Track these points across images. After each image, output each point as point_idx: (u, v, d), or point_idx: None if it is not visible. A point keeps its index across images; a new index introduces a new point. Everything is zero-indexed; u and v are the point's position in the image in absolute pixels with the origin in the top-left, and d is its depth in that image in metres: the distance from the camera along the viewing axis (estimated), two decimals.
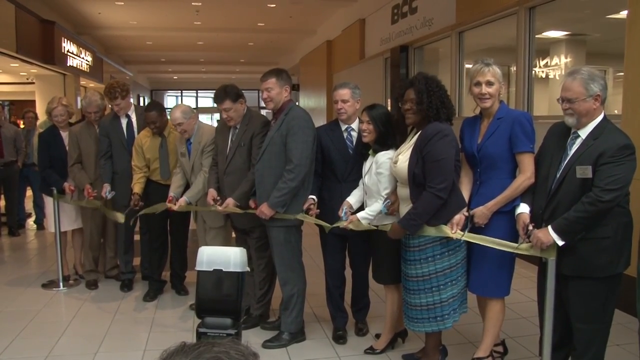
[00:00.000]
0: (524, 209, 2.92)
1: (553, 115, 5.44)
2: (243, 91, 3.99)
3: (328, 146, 3.68)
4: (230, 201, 3.81)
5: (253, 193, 3.76)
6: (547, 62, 6.65)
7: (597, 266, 2.68)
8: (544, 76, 6.64)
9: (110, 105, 4.89)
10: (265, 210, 3.57)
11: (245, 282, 2.73)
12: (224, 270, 2.83)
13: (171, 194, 4.32)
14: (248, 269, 2.76)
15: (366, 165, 3.47)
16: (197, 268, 2.80)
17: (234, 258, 2.72)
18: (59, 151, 5.02)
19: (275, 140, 3.60)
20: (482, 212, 2.97)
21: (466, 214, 2.99)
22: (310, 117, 3.71)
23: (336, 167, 3.66)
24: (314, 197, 3.64)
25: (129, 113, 4.88)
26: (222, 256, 2.81)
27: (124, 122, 4.86)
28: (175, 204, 4.22)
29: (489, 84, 3.00)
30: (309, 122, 3.63)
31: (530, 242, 2.78)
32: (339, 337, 3.79)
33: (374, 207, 3.31)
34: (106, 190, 4.67)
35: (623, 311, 3.79)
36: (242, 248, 2.69)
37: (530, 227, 2.83)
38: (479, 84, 3.03)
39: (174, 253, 4.86)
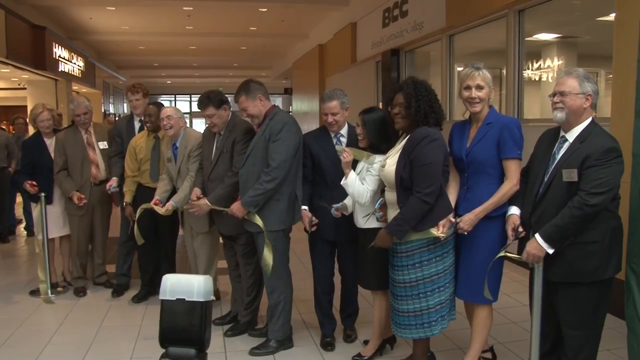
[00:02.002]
0: (514, 210, 2.91)
1: (545, 119, 5.44)
2: None
3: (318, 153, 3.66)
4: (203, 202, 3.80)
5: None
6: (539, 65, 6.65)
7: (585, 271, 2.65)
8: (537, 79, 6.63)
9: (128, 103, 5.12)
10: (235, 209, 3.56)
11: (210, 311, 2.66)
12: (187, 299, 2.76)
13: (157, 197, 4.30)
14: (213, 298, 2.69)
15: (358, 168, 3.42)
16: (161, 297, 2.73)
17: (197, 287, 2.65)
18: (44, 158, 4.95)
19: (259, 145, 3.57)
20: (469, 219, 2.95)
21: (452, 219, 2.97)
22: (294, 122, 3.67)
23: (327, 174, 3.64)
24: (306, 208, 3.65)
25: (142, 117, 4.94)
26: (186, 285, 2.74)
27: (137, 126, 4.97)
28: (162, 208, 4.21)
29: (479, 87, 2.99)
30: (293, 127, 3.59)
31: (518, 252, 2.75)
32: (327, 344, 3.76)
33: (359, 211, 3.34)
34: (112, 185, 4.73)
35: (615, 315, 3.77)
36: (207, 276, 2.62)
37: (520, 229, 2.82)
38: (468, 87, 3.01)
39: (161, 258, 4.84)
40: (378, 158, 3.25)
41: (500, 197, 2.94)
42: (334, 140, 3.66)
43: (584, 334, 2.73)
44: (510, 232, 2.86)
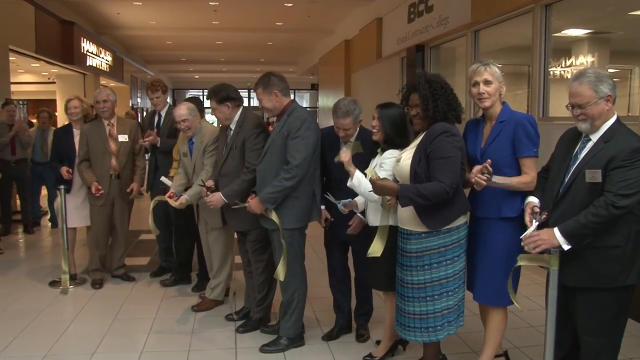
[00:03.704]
0: (532, 199, 2.79)
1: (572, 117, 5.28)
2: None
3: (325, 153, 3.63)
4: (218, 195, 3.77)
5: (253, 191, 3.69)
6: (571, 62, 6.47)
7: (605, 277, 2.53)
8: (568, 76, 6.45)
9: (150, 99, 5.26)
10: (253, 206, 3.51)
11: None
12: None
13: (172, 190, 4.31)
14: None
15: (372, 164, 3.37)
16: None
17: None
18: (68, 148, 5.06)
19: (277, 141, 3.53)
20: (498, 183, 2.79)
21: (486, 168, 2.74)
22: (313, 119, 3.63)
23: (333, 174, 3.62)
24: (323, 206, 3.66)
25: (161, 112, 5.18)
26: None
27: (156, 120, 5.20)
28: (176, 201, 4.22)
29: (487, 82, 2.90)
30: (312, 124, 3.55)
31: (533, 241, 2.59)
32: (328, 335, 3.83)
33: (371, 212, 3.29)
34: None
35: (638, 322, 3.64)
36: None
37: (537, 211, 2.68)
38: (476, 84, 2.93)
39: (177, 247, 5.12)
40: (390, 153, 3.19)
41: (518, 182, 2.83)
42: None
43: (601, 341, 2.61)
44: (528, 217, 2.72)
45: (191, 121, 4.29)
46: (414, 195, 2.78)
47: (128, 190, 5.01)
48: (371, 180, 2.92)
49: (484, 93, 2.91)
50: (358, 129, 3.59)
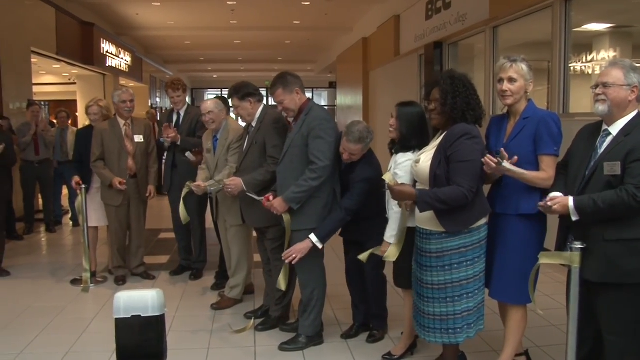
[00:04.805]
0: (557, 193, 2.70)
1: (594, 113, 5.20)
2: None
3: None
4: (239, 180, 3.79)
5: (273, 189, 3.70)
6: (592, 57, 6.38)
7: (627, 272, 2.47)
8: (588, 72, 6.36)
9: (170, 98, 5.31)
10: (277, 205, 3.47)
11: (164, 325, 2.66)
12: (142, 315, 2.75)
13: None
14: (166, 310, 2.69)
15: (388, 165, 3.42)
16: (115, 315, 2.74)
17: (151, 302, 2.65)
18: (88, 150, 5.10)
19: (297, 142, 3.51)
20: (508, 169, 2.74)
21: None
22: (331, 117, 3.63)
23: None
24: None
25: (180, 111, 5.23)
26: (140, 301, 2.73)
27: (174, 118, 5.26)
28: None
29: (511, 80, 2.87)
30: (331, 123, 3.53)
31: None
32: (347, 334, 3.84)
33: (391, 224, 3.28)
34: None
35: None
36: (158, 290, 2.60)
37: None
38: (501, 80, 2.91)
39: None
40: (403, 157, 3.21)
41: (534, 176, 2.79)
42: None
43: (625, 340, 2.56)
44: (544, 202, 2.65)
45: (216, 115, 4.35)
46: (432, 201, 2.77)
47: (147, 194, 5.11)
48: (389, 186, 2.93)
49: (507, 91, 2.89)
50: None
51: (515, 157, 2.72)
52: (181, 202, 4.50)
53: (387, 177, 3.01)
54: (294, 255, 3.41)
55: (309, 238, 3.42)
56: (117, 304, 2.67)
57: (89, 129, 5.28)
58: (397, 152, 3.31)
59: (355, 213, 3.46)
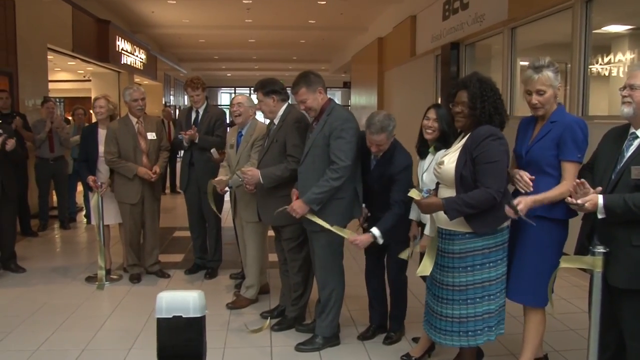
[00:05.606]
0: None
1: (612, 115, 5.13)
2: None
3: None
4: (257, 171, 3.79)
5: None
6: (609, 59, 6.29)
7: None
8: (606, 74, 6.27)
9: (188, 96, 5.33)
10: (297, 208, 3.44)
11: (205, 326, 2.69)
12: (184, 316, 2.76)
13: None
14: (207, 311, 2.71)
15: (424, 164, 3.45)
16: (157, 315, 2.76)
17: (193, 303, 2.66)
18: (92, 147, 5.13)
19: (318, 142, 3.48)
20: (526, 202, 2.72)
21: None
22: (353, 117, 3.59)
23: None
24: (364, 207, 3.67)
25: (199, 110, 5.21)
26: (181, 302, 2.75)
27: (193, 117, 5.22)
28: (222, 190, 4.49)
29: (539, 92, 2.85)
30: (353, 122, 3.50)
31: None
32: (363, 335, 3.82)
33: (429, 225, 3.26)
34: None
35: None
36: (200, 292, 2.62)
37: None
38: (529, 92, 2.89)
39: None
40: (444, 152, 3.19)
41: (555, 195, 2.76)
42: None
43: None
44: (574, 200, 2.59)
45: (245, 109, 4.40)
46: (461, 207, 2.74)
47: (152, 172, 4.96)
48: (415, 201, 2.94)
49: (536, 103, 2.87)
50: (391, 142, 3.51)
51: (532, 177, 2.79)
52: (210, 201, 4.70)
53: (413, 194, 2.98)
54: (357, 244, 3.44)
55: (370, 232, 3.42)
56: (159, 304, 2.68)
57: (93, 127, 5.26)
58: (437, 150, 3.36)
59: (381, 212, 3.48)
